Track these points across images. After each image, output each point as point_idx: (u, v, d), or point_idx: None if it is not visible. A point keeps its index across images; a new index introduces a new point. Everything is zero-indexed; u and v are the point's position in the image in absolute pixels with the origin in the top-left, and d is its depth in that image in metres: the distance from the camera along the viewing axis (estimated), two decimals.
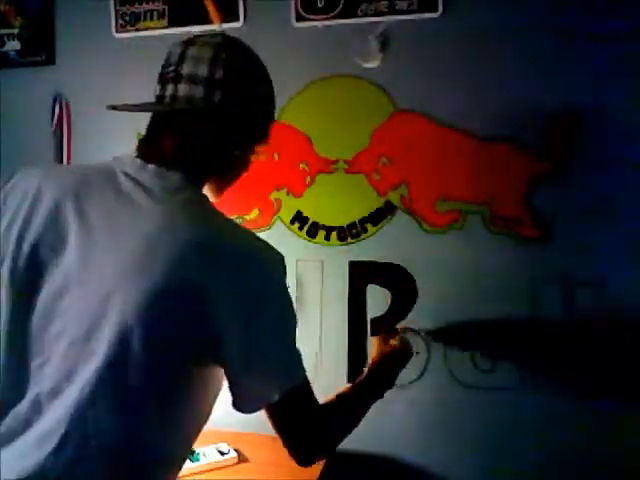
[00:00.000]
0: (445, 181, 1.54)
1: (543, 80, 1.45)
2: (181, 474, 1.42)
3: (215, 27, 1.64)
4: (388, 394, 1.67)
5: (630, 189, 1.42)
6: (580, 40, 1.42)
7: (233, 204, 1.69)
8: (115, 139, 1.78)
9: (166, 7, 1.69)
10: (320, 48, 1.59)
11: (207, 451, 1.49)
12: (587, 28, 1.42)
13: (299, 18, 1.59)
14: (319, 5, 1.57)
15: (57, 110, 1.81)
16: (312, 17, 1.58)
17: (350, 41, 1.54)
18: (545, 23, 1.44)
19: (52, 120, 1.82)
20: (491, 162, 1.50)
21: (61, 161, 1.82)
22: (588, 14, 1.41)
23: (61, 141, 1.82)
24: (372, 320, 1.62)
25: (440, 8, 1.49)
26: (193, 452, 1.47)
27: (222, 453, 1.49)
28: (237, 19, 1.63)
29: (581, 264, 1.46)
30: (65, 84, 1.81)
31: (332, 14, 1.56)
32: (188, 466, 1.42)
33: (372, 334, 1.62)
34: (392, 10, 1.52)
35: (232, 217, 1.67)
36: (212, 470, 1.43)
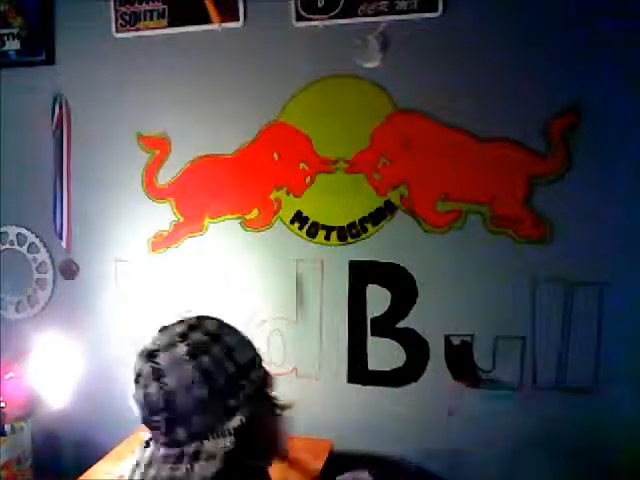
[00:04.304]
0: (445, 181, 1.53)
1: (543, 80, 1.45)
2: None
3: (215, 27, 1.65)
4: (388, 394, 1.68)
5: (630, 189, 1.42)
6: (580, 40, 1.42)
7: (233, 204, 1.70)
8: (115, 139, 1.78)
9: (166, 7, 1.69)
10: (320, 48, 1.59)
11: None
12: (587, 27, 1.42)
13: (299, 18, 1.59)
14: (319, 5, 1.57)
15: (57, 110, 1.81)
16: (312, 17, 1.58)
17: (350, 41, 1.54)
18: (545, 23, 1.44)
19: (52, 120, 1.82)
20: (491, 162, 1.50)
21: (61, 161, 1.82)
22: (588, 14, 1.41)
23: (61, 141, 1.82)
24: (372, 320, 1.62)
25: (440, 8, 1.48)
26: None
27: None
28: (237, 19, 1.63)
29: (581, 264, 1.46)
30: (65, 84, 1.81)
31: (332, 14, 1.56)
32: None
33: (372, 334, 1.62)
34: (392, 10, 1.51)
35: (232, 217, 1.70)
36: None
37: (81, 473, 1.48)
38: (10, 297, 1.93)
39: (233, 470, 0.70)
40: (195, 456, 0.69)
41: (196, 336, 0.72)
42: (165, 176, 1.75)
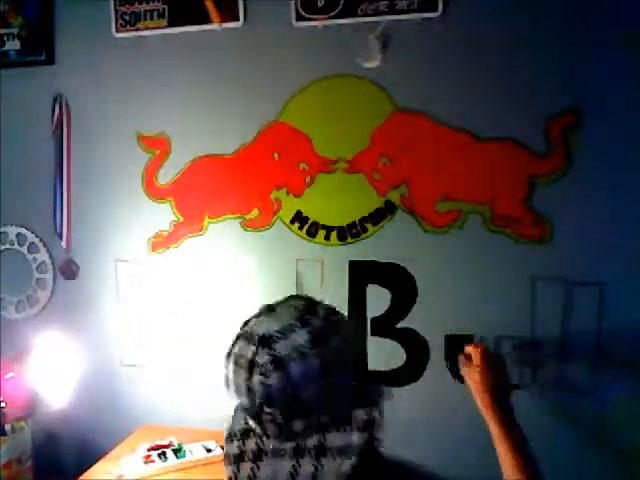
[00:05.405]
0: (445, 181, 1.53)
1: (543, 80, 1.45)
2: (168, 470, 1.41)
3: (215, 27, 1.65)
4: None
5: (629, 189, 1.42)
6: (580, 40, 1.42)
7: (233, 204, 1.70)
8: (115, 139, 1.78)
9: (166, 7, 1.69)
10: (320, 48, 1.59)
11: (194, 448, 1.50)
12: (587, 27, 1.42)
13: (299, 18, 1.59)
14: (319, 5, 1.57)
15: (57, 110, 1.81)
16: (312, 17, 1.58)
17: (350, 41, 1.54)
18: (545, 23, 1.44)
19: (52, 120, 1.82)
20: (491, 162, 1.50)
21: (61, 161, 1.82)
22: (588, 13, 1.41)
23: (61, 141, 1.82)
24: (372, 320, 1.62)
25: (440, 8, 1.48)
26: (180, 449, 1.49)
27: (208, 450, 1.49)
28: (237, 19, 1.63)
29: (581, 264, 1.46)
30: (65, 84, 1.81)
31: (332, 14, 1.56)
32: (174, 462, 1.44)
33: (372, 334, 1.62)
34: (392, 10, 1.52)
35: (232, 217, 1.70)
36: (197, 466, 1.45)
37: (81, 473, 1.48)
38: (10, 297, 1.93)
39: (370, 465, 0.65)
40: (320, 451, 0.63)
41: (316, 322, 0.67)
42: (165, 176, 1.75)
